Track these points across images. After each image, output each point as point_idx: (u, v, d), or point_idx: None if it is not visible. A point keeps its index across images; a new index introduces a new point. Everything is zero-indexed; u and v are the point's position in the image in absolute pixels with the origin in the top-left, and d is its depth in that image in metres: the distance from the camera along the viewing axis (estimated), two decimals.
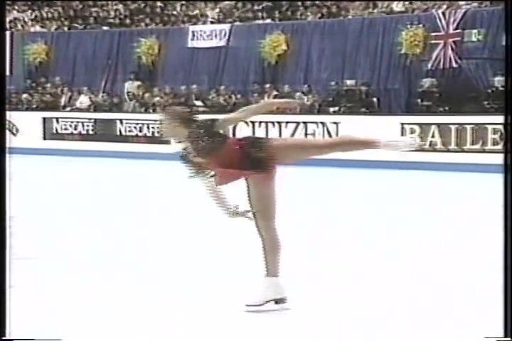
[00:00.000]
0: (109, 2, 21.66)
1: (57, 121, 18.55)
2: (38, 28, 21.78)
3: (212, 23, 19.29)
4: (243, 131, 16.04)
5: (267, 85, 17.17)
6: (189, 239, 7.23)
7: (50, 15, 22.07)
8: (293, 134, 15.61)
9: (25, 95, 19.80)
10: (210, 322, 4.43)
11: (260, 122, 15.99)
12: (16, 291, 4.44)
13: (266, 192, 4.56)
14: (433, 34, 15.87)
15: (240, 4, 19.72)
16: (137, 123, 17.56)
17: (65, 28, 21.46)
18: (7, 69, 18.32)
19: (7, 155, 3.97)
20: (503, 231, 3.86)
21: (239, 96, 17.47)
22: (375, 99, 16.25)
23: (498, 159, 13.17)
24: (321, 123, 15.39)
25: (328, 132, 15.29)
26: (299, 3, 18.82)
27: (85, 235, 7.37)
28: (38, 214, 8.58)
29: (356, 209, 9.16)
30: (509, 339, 3.63)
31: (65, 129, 18.46)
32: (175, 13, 20.69)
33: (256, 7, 19.38)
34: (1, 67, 4.33)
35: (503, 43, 15.09)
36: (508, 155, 3.94)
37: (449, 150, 14.06)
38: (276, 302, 4.61)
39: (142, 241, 7.12)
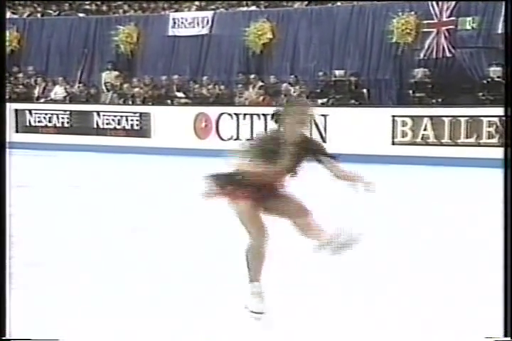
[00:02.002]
0: None
1: (31, 113, 18.45)
2: (9, 15, 21.62)
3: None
4: (227, 123, 16.07)
5: (252, 75, 17.15)
6: (174, 234, 7.26)
7: (22, 0, 21.92)
8: None
9: None
10: (212, 327, 4.49)
11: (245, 114, 15.99)
12: (15, 291, 4.52)
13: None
14: (425, 22, 15.90)
15: None
16: (115, 116, 17.49)
17: (38, 15, 21.33)
18: None
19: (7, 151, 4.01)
20: (502, 228, 3.88)
21: (222, 87, 17.44)
22: (365, 91, 16.27)
23: (494, 153, 13.33)
24: None
25: (316, 125, 15.30)
26: None
27: (72, 233, 7.37)
28: (14, 213, 8.53)
29: (345, 204, 9.15)
30: (509, 339, 3.73)
31: (39, 122, 18.36)
32: None
33: None
34: (1, 64, 4.40)
35: (499, 31, 15.16)
36: (509, 149, 3.95)
37: (442, 144, 14.11)
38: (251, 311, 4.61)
39: (127, 237, 7.13)
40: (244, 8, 18.72)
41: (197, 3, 19.73)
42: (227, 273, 5.72)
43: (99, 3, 21.21)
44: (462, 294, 5.15)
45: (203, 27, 18.31)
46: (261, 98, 16.64)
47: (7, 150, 4.19)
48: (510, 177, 3.85)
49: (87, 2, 21.32)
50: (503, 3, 15.00)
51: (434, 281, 5.54)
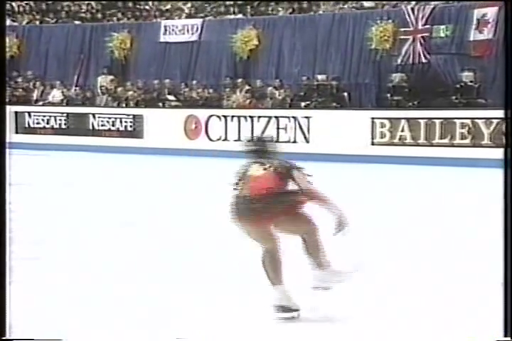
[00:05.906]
0: None
1: (30, 116, 18.41)
2: (9, 22, 21.54)
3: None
4: (216, 125, 16.09)
5: (239, 80, 17.20)
6: (165, 230, 7.26)
7: (21, 8, 21.85)
8: (265, 128, 15.65)
9: None
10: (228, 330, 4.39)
11: (233, 116, 16.01)
12: (15, 291, 4.39)
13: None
14: (402, 29, 15.99)
15: None
16: (110, 118, 17.48)
17: (37, 22, 21.27)
18: None
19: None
20: (502, 228, 3.84)
21: (211, 90, 17.46)
22: (345, 94, 16.33)
23: (466, 153, 13.42)
24: (293, 117, 15.44)
25: (300, 126, 15.34)
26: None
27: (67, 229, 7.37)
28: (13, 210, 8.51)
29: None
30: (509, 339, 3.62)
31: (38, 123, 18.33)
32: (147, 7, 20.60)
33: (228, 2, 19.36)
34: (1, 64, 4.39)
35: (470, 39, 15.25)
36: (509, 150, 3.91)
37: (418, 145, 14.20)
38: (285, 310, 4.49)
39: (118, 232, 7.11)
40: (232, 16, 18.75)
41: (187, 11, 19.73)
42: (216, 268, 5.70)
43: (94, 11, 21.16)
44: (462, 294, 5.06)
45: (192, 34, 18.33)
46: (247, 101, 16.67)
47: (7, 150, 4.15)
48: (510, 177, 3.80)
49: (82, 10, 21.27)
50: (475, 11, 15.12)
51: (433, 281, 5.41)
